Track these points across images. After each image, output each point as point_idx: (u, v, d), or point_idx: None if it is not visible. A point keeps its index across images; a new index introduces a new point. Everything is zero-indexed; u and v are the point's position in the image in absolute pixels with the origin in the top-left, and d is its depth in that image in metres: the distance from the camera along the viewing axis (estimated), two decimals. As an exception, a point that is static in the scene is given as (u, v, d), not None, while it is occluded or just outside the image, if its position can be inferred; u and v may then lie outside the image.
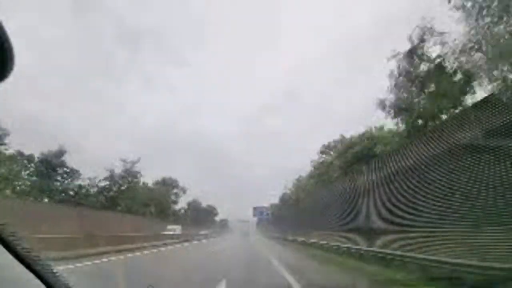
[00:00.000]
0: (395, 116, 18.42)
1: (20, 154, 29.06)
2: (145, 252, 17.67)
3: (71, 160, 32.04)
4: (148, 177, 48.35)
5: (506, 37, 11.92)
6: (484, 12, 12.55)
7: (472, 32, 13.31)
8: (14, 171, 27.10)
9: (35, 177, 29.64)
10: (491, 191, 6.57)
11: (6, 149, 25.95)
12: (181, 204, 64.81)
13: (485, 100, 7.74)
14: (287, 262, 12.48)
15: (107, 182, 36.76)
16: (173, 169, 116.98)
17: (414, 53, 16.77)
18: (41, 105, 65.22)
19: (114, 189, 36.96)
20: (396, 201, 10.18)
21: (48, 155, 30.43)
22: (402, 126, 19.03)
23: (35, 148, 30.43)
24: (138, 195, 39.83)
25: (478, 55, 13.62)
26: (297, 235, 26.76)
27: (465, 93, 15.27)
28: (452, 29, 14.65)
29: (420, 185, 8.98)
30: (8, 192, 25.34)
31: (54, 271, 1.20)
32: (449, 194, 7.72)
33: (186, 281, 8.33)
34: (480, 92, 14.27)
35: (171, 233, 31.73)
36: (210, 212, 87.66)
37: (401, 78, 17.37)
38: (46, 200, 28.80)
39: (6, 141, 25.31)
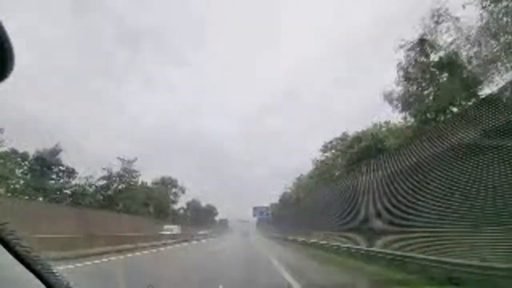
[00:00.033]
0: (403, 110, 17.23)
1: (14, 151, 28.19)
2: (145, 252, 17.67)
3: (70, 160, 31.61)
4: (148, 177, 48.16)
5: None
6: None
7: (488, 18, 12.29)
8: (8, 169, 26.28)
9: (29, 176, 28.83)
10: (490, 191, 6.58)
11: None
12: (181, 204, 64.78)
13: (486, 100, 7.74)
14: (287, 262, 12.48)
15: (105, 181, 36.15)
16: (173, 169, 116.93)
17: (425, 41, 15.54)
18: (41, 105, 65.10)
19: (112, 188, 36.42)
20: (396, 202, 10.19)
21: (43, 153, 29.71)
22: (410, 121, 17.80)
23: (35, 148, 29.94)
24: (137, 194, 39.20)
25: (494, 42, 12.55)
26: (297, 235, 26.77)
27: (480, 84, 13.98)
28: (466, 15, 13.38)
29: (419, 185, 8.99)
30: (1, 190, 24.81)
31: (54, 271, 1.20)
32: (449, 194, 7.72)
33: (185, 281, 8.33)
34: (496, 83, 12.65)
35: (168, 233, 31.19)
36: (210, 212, 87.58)
37: (410, 68, 16.16)
38: (40, 199, 28.08)
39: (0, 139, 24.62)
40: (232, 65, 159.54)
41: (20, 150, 29.03)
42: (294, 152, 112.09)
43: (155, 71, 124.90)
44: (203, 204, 79.47)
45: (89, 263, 10.93)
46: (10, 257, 1.05)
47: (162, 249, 21.12)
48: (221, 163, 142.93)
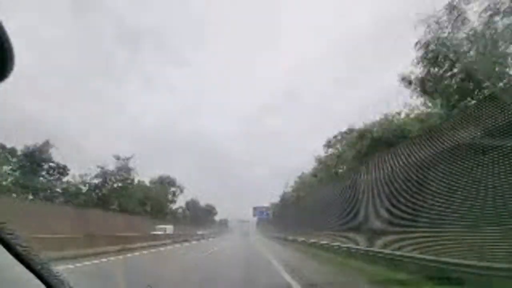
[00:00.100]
0: (424, 93, 15.34)
1: (2, 147, 27.03)
2: (144, 252, 17.66)
3: (66, 158, 30.74)
4: (148, 176, 48.02)
5: None
6: None
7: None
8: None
9: (18, 172, 27.36)
10: (490, 191, 6.58)
11: None
12: (180, 203, 64.65)
13: (488, 99, 7.72)
14: (287, 262, 12.49)
15: (100, 180, 34.88)
16: (173, 169, 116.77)
17: (454, 8, 13.31)
18: (41, 105, 65.07)
19: (108, 186, 35.32)
20: (396, 202, 10.19)
21: (33, 149, 28.38)
22: (430, 107, 16.09)
23: (24, 143, 28.33)
24: (133, 193, 38.26)
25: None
26: (297, 235, 26.78)
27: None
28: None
29: (419, 184, 8.99)
30: None
31: (54, 271, 1.20)
32: (449, 194, 7.72)
33: (184, 281, 8.34)
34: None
35: (161, 233, 29.59)
36: (209, 211, 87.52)
37: (432, 45, 14.05)
38: (30, 197, 26.90)
39: None
40: (232, 65, 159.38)
41: (17, 147, 27.91)
42: (294, 152, 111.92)
43: (155, 71, 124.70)
44: (203, 204, 79.46)
45: (88, 263, 10.94)
46: (10, 257, 1.05)
47: (162, 249, 21.12)
48: (221, 163, 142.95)
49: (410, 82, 15.51)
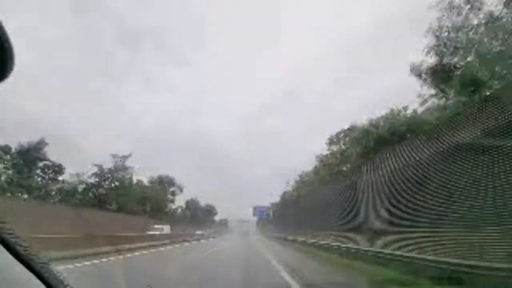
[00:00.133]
0: (436, 83, 14.35)
1: None
2: (144, 252, 17.65)
3: (70, 160, 30.84)
4: (147, 176, 47.81)
5: None
6: None
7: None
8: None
9: (12, 171, 26.76)
10: (490, 191, 6.58)
11: None
12: (179, 203, 64.61)
13: (489, 98, 7.71)
14: (287, 263, 12.48)
15: (96, 179, 34.05)
16: (172, 169, 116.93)
17: None
18: (41, 105, 65.13)
19: (105, 186, 34.58)
20: (396, 202, 10.19)
21: (28, 147, 27.70)
22: (439, 100, 15.05)
23: (18, 141, 27.68)
24: (131, 193, 37.49)
25: None
26: (297, 235, 26.77)
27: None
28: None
29: (418, 185, 8.99)
30: None
31: (54, 271, 1.20)
32: (449, 194, 7.72)
33: (184, 281, 8.33)
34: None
35: (157, 233, 28.91)
36: (209, 211, 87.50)
37: (445, 33, 13.10)
38: (25, 196, 26.34)
39: None
40: (232, 65, 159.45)
41: (11, 145, 27.29)
42: (294, 152, 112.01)
43: (155, 71, 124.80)
44: (203, 203, 79.42)
45: (88, 263, 10.93)
46: (10, 257, 1.05)
47: (161, 249, 21.11)
48: (221, 163, 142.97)
49: (420, 75, 14.61)
